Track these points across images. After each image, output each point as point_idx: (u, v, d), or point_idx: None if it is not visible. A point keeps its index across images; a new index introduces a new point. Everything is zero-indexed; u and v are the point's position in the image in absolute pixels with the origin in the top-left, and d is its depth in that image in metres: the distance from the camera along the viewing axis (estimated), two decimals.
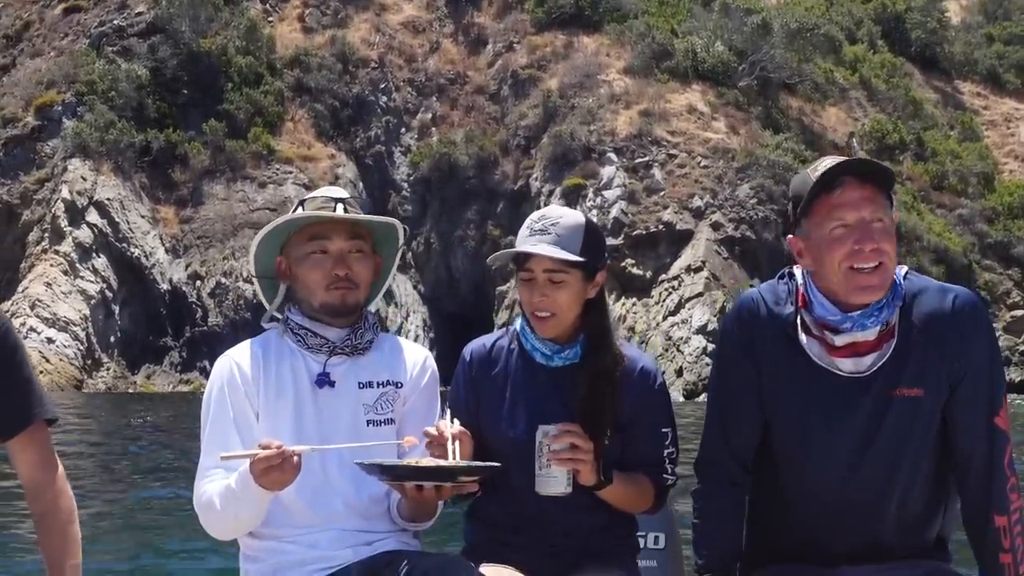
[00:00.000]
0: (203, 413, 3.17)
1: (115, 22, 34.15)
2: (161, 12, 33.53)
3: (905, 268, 3.05)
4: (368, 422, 3.15)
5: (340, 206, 3.15)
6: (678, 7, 36.95)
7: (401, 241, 3.31)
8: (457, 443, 3.00)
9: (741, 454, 3.12)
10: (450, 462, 2.92)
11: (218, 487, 3.04)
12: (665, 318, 29.26)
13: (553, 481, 3.08)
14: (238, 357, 3.19)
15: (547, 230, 3.15)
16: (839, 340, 2.97)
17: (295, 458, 2.87)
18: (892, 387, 2.96)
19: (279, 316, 3.26)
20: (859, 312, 2.96)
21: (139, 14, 34.21)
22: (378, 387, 3.17)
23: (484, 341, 3.32)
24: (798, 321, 3.02)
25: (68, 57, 33.49)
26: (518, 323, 3.29)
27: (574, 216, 3.21)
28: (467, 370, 3.28)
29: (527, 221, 3.21)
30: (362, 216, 3.19)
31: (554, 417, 3.12)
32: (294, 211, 3.19)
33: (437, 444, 3.03)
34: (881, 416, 2.97)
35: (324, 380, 3.14)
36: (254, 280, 3.32)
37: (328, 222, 3.14)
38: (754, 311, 3.08)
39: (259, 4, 35.76)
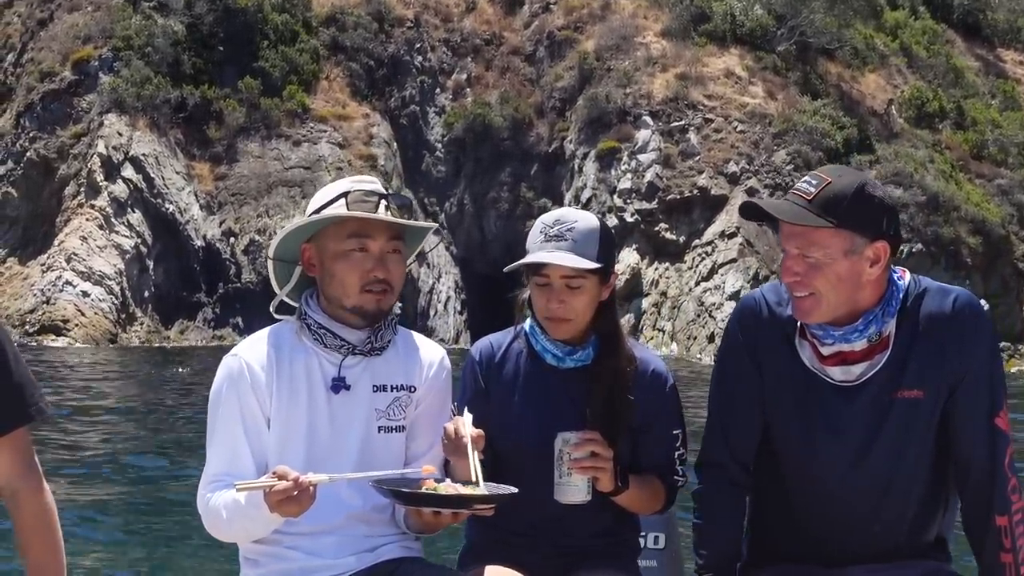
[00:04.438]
0: (210, 412, 3.08)
1: None
2: None
3: (908, 275, 3.05)
4: (380, 428, 3.09)
5: (382, 203, 3.05)
6: None
7: (426, 241, 3.23)
8: (476, 453, 2.94)
9: (742, 455, 3.13)
10: (468, 491, 2.89)
11: (226, 499, 2.97)
12: (698, 283, 29.13)
13: (574, 489, 3.07)
14: (249, 357, 3.07)
15: (563, 236, 3.11)
16: (825, 350, 3.00)
17: (311, 488, 2.82)
18: (893, 390, 2.97)
19: (292, 303, 3.17)
20: (841, 329, 2.96)
21: None
22: (392, 391, 3.11)
23: (492, 341, 3.28)
24: (798, 324, 3.04)
25: (105, 12, 33.50)
26: (527, 324, 3.25)
27: (588, 220, 3.17)
28: (476, 369, 3.24)
29: (539, 225, 3.17)
30: (411, 223, 3.11)
31: (565, 420, 3.10)
32: (333, 200, 3.06)
33: (454, 446, 2.98)
34: (882, 418, 2.98)
35: (340, 385, 3.06)
36: (269, 262, 3.18)
37: (371, 220, 3.03)
38: (756, 312, 3.09)
39: None
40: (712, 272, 29.07)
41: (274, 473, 2.82)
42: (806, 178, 2.99)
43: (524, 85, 33.98)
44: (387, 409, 3.10)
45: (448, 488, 2.90)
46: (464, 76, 34.41)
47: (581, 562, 3.20)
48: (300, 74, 32.76)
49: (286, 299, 3.18)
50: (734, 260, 28.87)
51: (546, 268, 3.12)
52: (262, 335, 3.12)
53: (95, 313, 28.58)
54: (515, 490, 2.95)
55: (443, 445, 3.03)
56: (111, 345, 27.84)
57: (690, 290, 29.15)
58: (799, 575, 3.08)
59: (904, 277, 3.04)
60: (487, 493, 2.91)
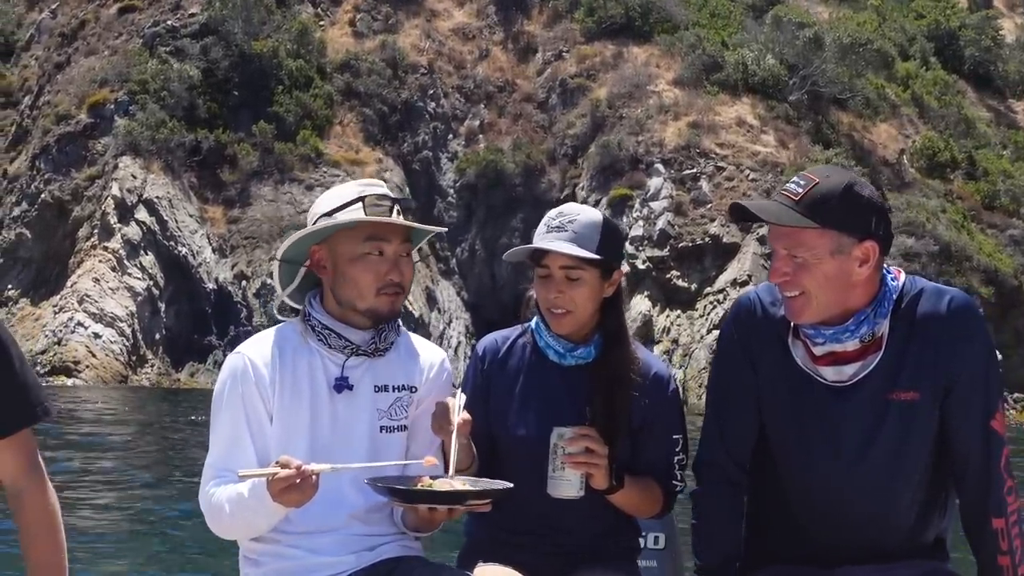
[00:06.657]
0: (213, 409, 3.10)
1: (168, 23, 34.49)
2: (214, 14, 33.83)
3: (903, 275, 3.04)
4: (381, 428, 3.11)
5: (395, 207, 3.10)
6: (729, 19, 36.81)
7: (422, 243, 3.26)
8: (457, 443, 2.96)
9: (738, 455, 3.12)
10: (463, 487, 2.90)
11: (229, 492, 2.99)
12: (709, 331, 29.08)
13: (566, 484, 3.07)
14: (253, 355, 3.10)
15: (564, 227, 3.14)
16: (818, 350, 2.99)
17: (313, 477, 2.83)
18: (887, 391, 2.95)
19: (295, 305, 3.19)
20: (832, 329, 2.95)
21: (192, 15, 34.54)
22: (393, 391, 3.13)
23: (498, 336, 3.30)
24: (791, 324, 3.03)
25: (122, 56, 33.85)
26: (534, 321, 3.27)
27: (591, 214, 3.19)
28: (479, 365, 3.26)
29: (545, 218, 3.21)
30: (425, 227, 3.16)
31: (564, 416, 3.10)
32: (349, 204, 3.09)
33: (439, 424, 3.00)
34: (878, 420, 2.96)
35: (343, 385, 3.08)
36: (275, 262, 3.20)
37: (388, 224, 3.08)
38: (752, 312, 3.09)
39: (311, 8, 36.01)
40: (724, 320, 29.01)
41: (277, 462, 2.85)
42: (795, 178, 2.98)
43: (536, 132, 34.16)
44: (389, 409, 3.11)
45: (443, 484, 2.90)
46: (477, 122, 34.62)
47: (581, 562, 3.18)
48: (314, 119, 33.01)
49: (287, 300, 3.20)
50: None
51: (546, 259, 3.15)
52: (267, 334, 3.13)
53: (106, 355, 28.65)
54: (510, 485, 2.92)
55: (431, 420, 3.03)
56: (121, 384, 27.89)
57: (701, 338, 29.11)
58: (798, 575, 3.06)
59: (899, 277, 3.02)
60: (481, 488, 2.91)
